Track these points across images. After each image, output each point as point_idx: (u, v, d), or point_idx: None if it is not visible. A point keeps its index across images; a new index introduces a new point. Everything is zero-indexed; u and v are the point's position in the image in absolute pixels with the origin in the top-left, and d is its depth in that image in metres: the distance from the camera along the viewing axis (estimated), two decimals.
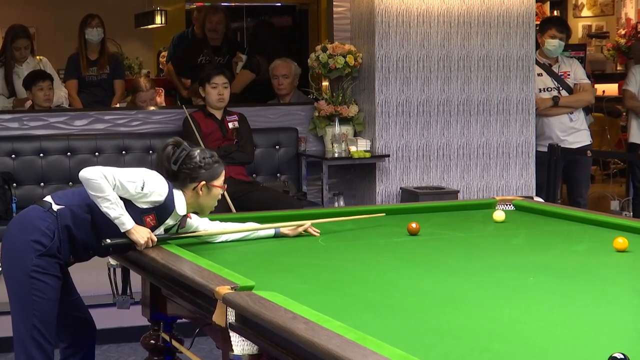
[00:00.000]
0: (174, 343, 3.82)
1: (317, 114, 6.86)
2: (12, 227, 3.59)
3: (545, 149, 6.89)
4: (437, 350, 2.41)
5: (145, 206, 3.55)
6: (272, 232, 3.96)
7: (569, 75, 7.17)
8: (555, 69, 7.17)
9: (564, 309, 2.83)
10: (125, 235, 3.52)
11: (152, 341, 3.90)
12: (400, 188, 6.68)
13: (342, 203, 6.63)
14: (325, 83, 6.94)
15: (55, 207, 3.54)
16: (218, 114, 6.44)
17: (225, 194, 5.71)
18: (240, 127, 6.47)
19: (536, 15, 7.52)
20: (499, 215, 4.33)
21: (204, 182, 3.63)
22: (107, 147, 6.57)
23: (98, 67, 7.45)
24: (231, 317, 2.77)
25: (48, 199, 3.59)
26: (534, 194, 6.79)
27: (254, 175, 6.70)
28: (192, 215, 3.76)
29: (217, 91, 6.38)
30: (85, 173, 3.48)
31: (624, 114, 9.38)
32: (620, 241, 3.62)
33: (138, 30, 11.32)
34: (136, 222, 3.52)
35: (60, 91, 7.27)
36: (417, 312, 2.82)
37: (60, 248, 3.53)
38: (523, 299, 2.97)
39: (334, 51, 6.74)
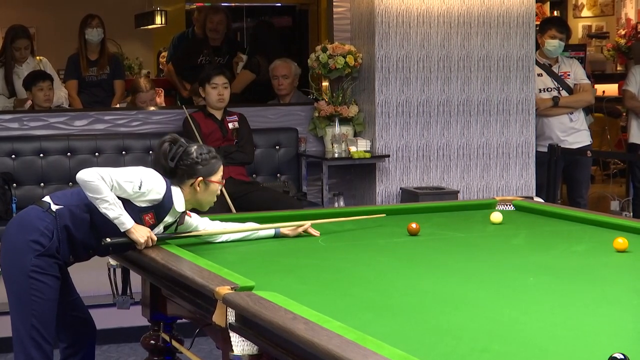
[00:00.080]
0: (174, 343, 3.82)
1: (317, 114, 6.86)
2: (11, 227, 3.59)
3: (545, 149, 6.88)
4: (437, 351, 2.41)
5: (143, 205, 3.55)
6: (272, 232, 3.96)
7: (569, 75, 7.17)
8: (555, 69, 7.16)
9: (564, 309, 2.83)
10: (125, 234, 3.52)
11: (152, 341, 3.90)
12: (400, 188, 6.68)
13: (342, 203, 6.63)
14: (325, 83, 6.94)
15: (54, 207, 3.54)
16: (218, 114, 6.44)
17: (225, 194, 5.71)
18: (240, 127, 6.47)
19: (536, 15, 7.52)
20: (496, 216, 4.27)
21: (201, 178, 3.63)
22: (107, 148, 6.57)
23: (98, 68, 7.44)
24: (231, 317, 2.77)
25: (47, 199, 3.60)
26: (534, 194, 6.78)
27: (254, 175, 6.69)
28: (192, 214, 3.76)
29: (217, 91, 6.37)
30: (83, 175, 3.48)
31: (624, 114, 9.38)
32: (620, 241, 3.62)
33: (138, 30, 11.32)
34: (135, 221, 3.52)
35: (60, 91, 7.27)
36: (417, 312, 2.82)
37: (59, 248, 3.53)
38: (523, 299, 2.96)
39: (334, 51, 6.73)
